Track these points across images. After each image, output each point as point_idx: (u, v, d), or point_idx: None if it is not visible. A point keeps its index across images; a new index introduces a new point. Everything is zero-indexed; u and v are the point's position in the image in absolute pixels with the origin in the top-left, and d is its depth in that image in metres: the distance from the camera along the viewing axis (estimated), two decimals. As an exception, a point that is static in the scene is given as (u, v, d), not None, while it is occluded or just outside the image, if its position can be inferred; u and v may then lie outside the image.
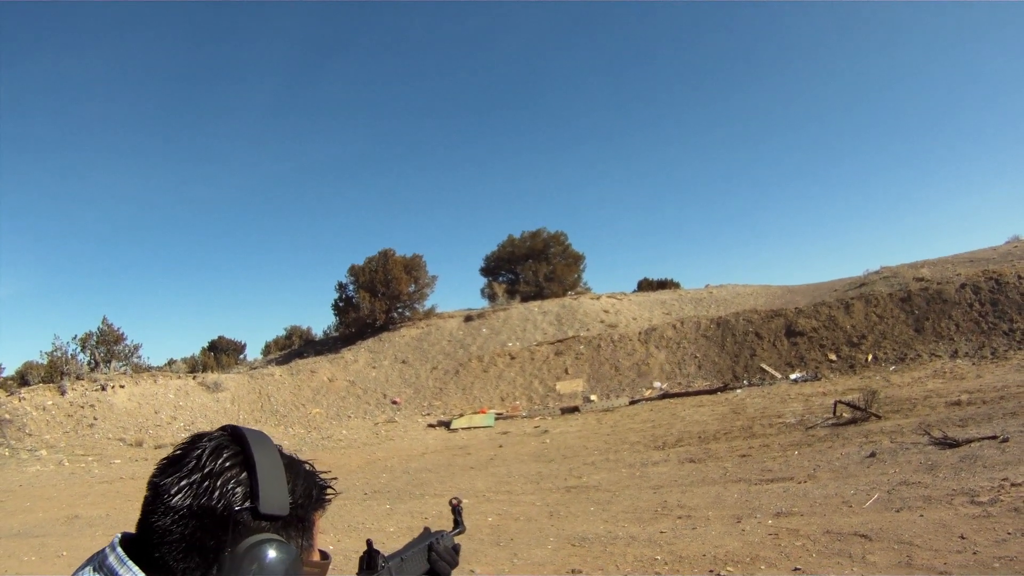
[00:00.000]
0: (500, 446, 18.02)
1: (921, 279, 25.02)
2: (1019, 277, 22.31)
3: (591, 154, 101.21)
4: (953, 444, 10.31)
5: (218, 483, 1.16)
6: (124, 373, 30.32)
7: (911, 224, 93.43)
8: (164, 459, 1.24)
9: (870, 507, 8.11)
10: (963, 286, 23.07)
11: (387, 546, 1.71)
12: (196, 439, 1.25)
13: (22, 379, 30.04)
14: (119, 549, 1.15)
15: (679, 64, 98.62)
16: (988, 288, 22.46)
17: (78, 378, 27.75)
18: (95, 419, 24.21)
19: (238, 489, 1.16)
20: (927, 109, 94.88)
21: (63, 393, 25.42)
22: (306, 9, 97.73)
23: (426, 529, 1.88)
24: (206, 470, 1.17)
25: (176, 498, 1.14)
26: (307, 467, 1.33)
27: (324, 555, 1.35)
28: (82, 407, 24.82)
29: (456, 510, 2.01)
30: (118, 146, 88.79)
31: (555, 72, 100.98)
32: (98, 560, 1.16)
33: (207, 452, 1.19)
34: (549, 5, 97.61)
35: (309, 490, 1.28)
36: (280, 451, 1.28)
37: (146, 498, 1.19)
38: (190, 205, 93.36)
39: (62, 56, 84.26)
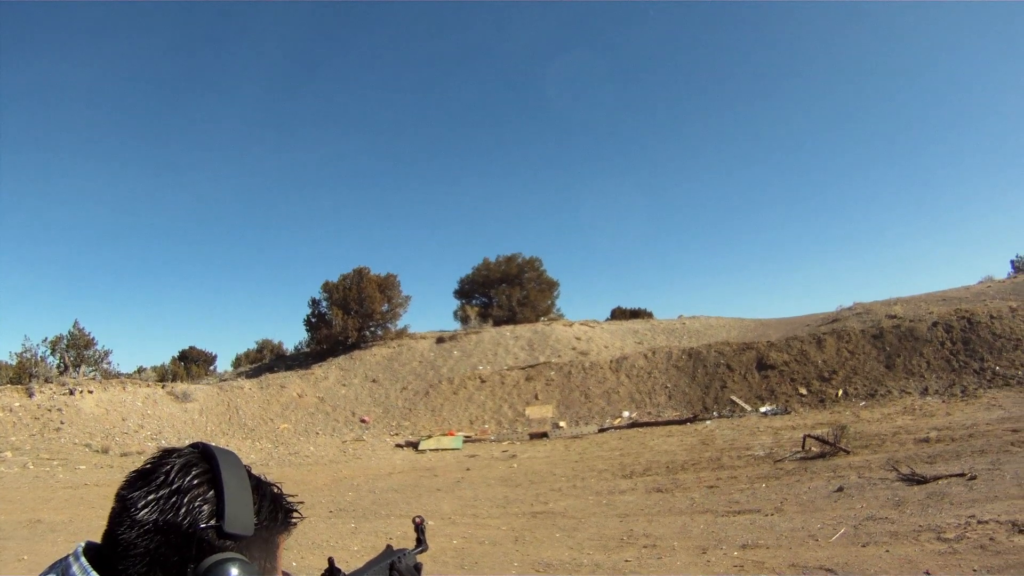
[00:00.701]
0: (467, 469, 17.90)
1: (893, 316, 25.20)
2: (991, 317, 22.52)
3: (568, 180, 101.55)
4: (921, 481, 10.32)
5: (185, 499, 1.16)
6: (93, 378, 30.02)
7: (885, 261, 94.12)
8: (133, 472, 1.24)
9: (836, 541, 8.09)
10: (935, 324, 23.25)
11: (350, 565, 1.68)
12: (166, 454, 1.25)
13: (-11, 379, 29.67)
14: (83, 559, 1.15)
15: (659, 92, 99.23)
16: (960, 327, 22.65)
17: (47, 381, 27.41)
18: (62, 423, 23.91)
19: (204, 507, 1.17)
20: (906, 147, 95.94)
21: (31, 395, 25.11)
22: (289, 22, 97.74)
23: (388, 547, 1.86)
24: (174, 486, 1.18)
25: (143, 512, 1.15)
26: (274, 489, 1.34)
27: None
28: (49, 411, 24.50)
29: (419, 528, 1.98)
30: (96, 150, 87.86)
31: (537, 96, 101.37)
32: (61, 568, 1.16)
33: (176, 468, 1.20)
34: (533, 24, 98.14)
35: (275, 512, 1.30)
36: (248, 472, 1.28)
37: (113, 510, 1.20)
38: (167, 212, 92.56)
39: (41, 57, 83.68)
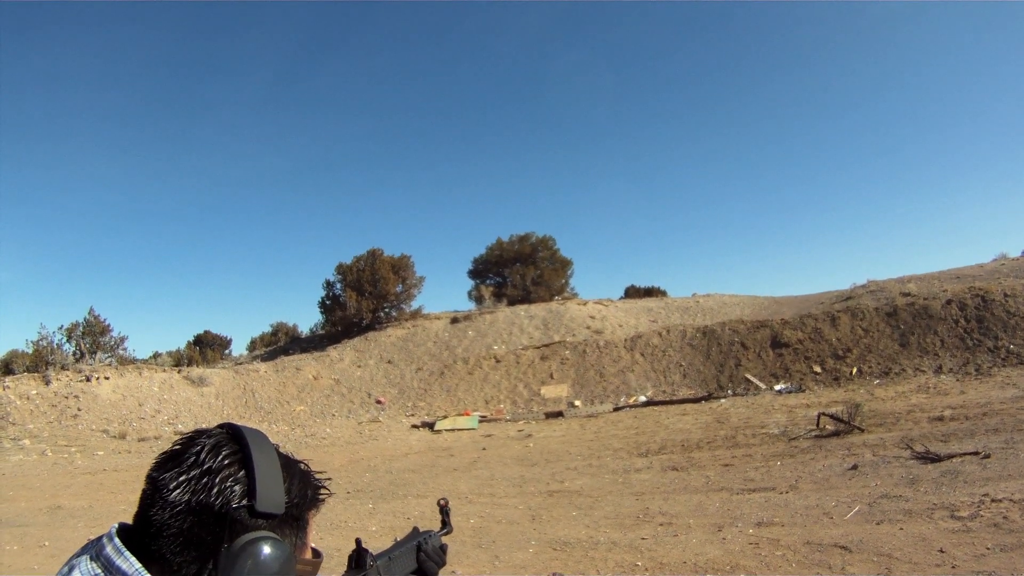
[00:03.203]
0: (483, 449, 17.99)
1: (908, 294, 25.09)
2: (1005, 295, 22.42)
3: (580, 159, 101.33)
4: (935, 459, 10.34)
5: (216, 480, 1.18)
6: (109, 365, 30.12)
7: (899, 239, 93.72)
8: (163, 454, 1.26)
9: (851, 519, 8.12)
10: (949, 302, 23.17)
11: (370, 545, 1.70)
12: (195, 435, 1.27)
13: (7, 368, 29.79)
14: (116, 539, 1.17)
15: (673, 72, 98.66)
16: (974, 305, 22.57)
17: (63, 368, 27.59)
18: (79, 410, 24.07)
19: (236, 487, 1.18)
20: (920, 125, 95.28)
21: (48, 383, 25.28)
22: (301, 3, 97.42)
23: (415, 529, 1.90)
24: (205, 467, 1.19)
25: (175, 493, 1.17)
26: (303, 467, 1.35)
27: (316, 553, 1.37)
28: (66, 397, 24.67)
29: (444, 510, 2.02)
30: (109, 137, 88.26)
31: (550, 74, 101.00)
32: (95, 549, 1.18)
33: (206, 449, 1.22)
34: (545, 6, 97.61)
35: (304, 489, 1.31)
36: (277, 450, 1.30)
37: (144, 491, 1.21)
38: (180, 198, 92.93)
39: (54, 45, 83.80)
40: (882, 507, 8.44)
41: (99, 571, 1.13)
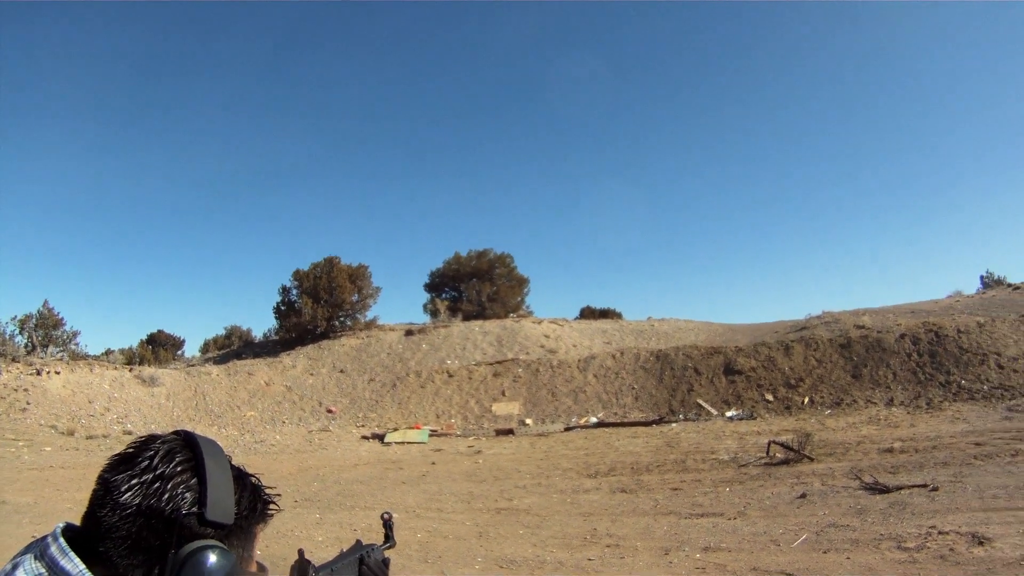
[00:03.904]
0: (433, 463, 17.88)
1: (862, 327, 25.43)
2: (959, 331, 22.75)
3: (542, 178, 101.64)
4: (883, 490, 10.40)
5: (168, 486, 1.18)
6: (61, 359, 29.74)
7: (855, 272, 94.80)
8: (116, 456, 1.26)
9: (798, 547, 8.14)
10: (903, 336, 23.48)
11: (316, 555, 1.68)
12: (150, 440, 1.27)
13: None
14: (61, 539, 1.17)
15: (638, 93, 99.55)
16: (927, 339, 22.88)
17: (14, 360, 27.11)
18: (28, 403, 23.75)
19: (187, 494, 1.19)
20: (881, 158, 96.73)
21: (-3, 374, 24.92)
22: (279, 11, 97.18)
23: (358, 541, 1.88)
24: (158, 471, 1.20)
25: (126, 496, 1.17)
26: (254, 480, 1.37)
27: (261, 567, 1.39)
28: (15, 390, 24.37)
29: (387, 524, 2.01)
30: (70, 131, 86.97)
31: (512, 94, 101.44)
32: (39, 548, 1.17)
33: (160, 454, 1.22)
34: (520, 19, 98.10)
35: (254, 503, 1.33)
36: (230, 462, 1.31)
37: (95, 492, 1.21)
38: (139, 194, 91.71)
39: (22, 32, 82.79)
40: (829, 536, 8.46)
41: (43, 570, 1.13)
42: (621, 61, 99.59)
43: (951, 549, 7.34)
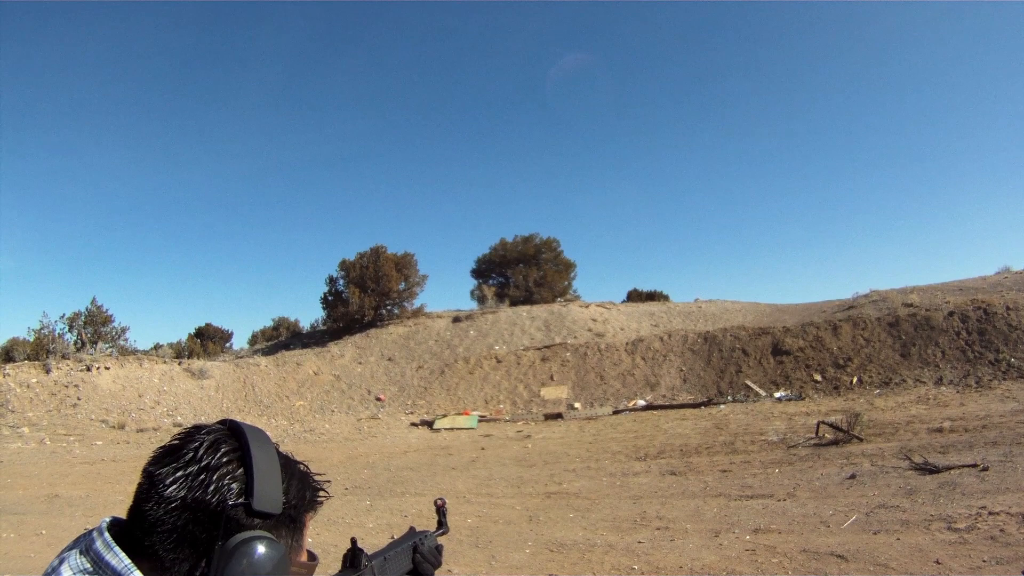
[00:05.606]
0: (482, 448, 18.00)
1: (910, 305, 25.10)
2: (1008, 308, 22.41)
3: (586, 161, 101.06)
4: (933, 470, 10.34)
5: (214, 477, 1.16)
6: (110, 355, 30.17)
7: (903, 249, 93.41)
8: (160, 448, 1.24)
9: (848, 528, 8.14)
10: (951, 314, 23.17)
11: (367, 542, 1.70)
12: (194, 431, 1.25)
13: (8, 355, 29.76)
14: (106, 534, 1.16)
15: (679, 75, 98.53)
16: (976, 317, 22.57)
17: (64, 357, 27.58)
18: (79, 399, 24.14)
19: (233, 485, 1.17)
20: (928, 134, 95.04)
21: (48, 371, 25.35)
22: (309, 3, 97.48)
23: (411, 528, 1.90)
24: (203, 463, 1.18)
25: (171, 488, 1.15)
26: (302, 467, 1.34)
27: (312, 556, 1.37)
28: (66, 386, 24.76)
29: (441, 510, 2.02)
30: (116, 128, 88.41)
31: (556, 76, 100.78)
32: (84, 543, 1.16)
33: (205, 445, 1.20)
34: (554, 7, 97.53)
35: (303, 491, 1.30)
36: (277, 450, 1.28)
37: (140, 485, 1.20)
38: (185, 190, 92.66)
39: (64, 34, 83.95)
40: (879, 517, 8.44)
41: (88, 565, 1.12)
42: (649, 45, 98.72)
43: (1001, 530, 7.31)
